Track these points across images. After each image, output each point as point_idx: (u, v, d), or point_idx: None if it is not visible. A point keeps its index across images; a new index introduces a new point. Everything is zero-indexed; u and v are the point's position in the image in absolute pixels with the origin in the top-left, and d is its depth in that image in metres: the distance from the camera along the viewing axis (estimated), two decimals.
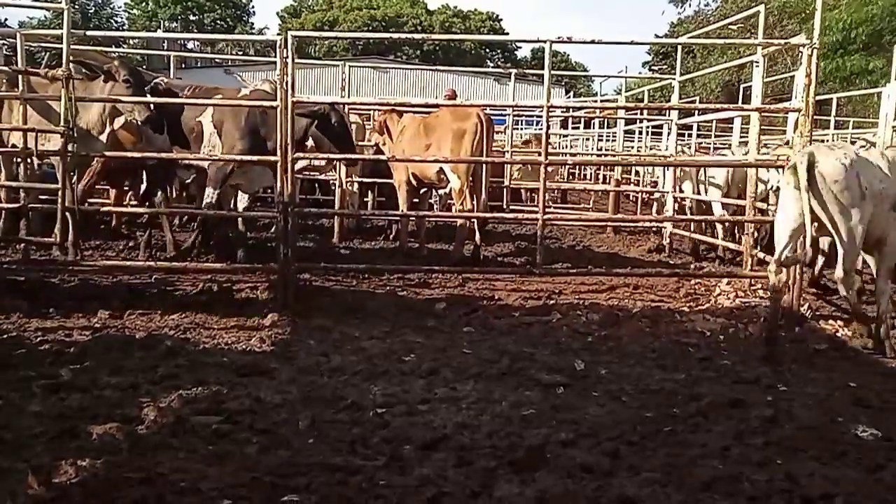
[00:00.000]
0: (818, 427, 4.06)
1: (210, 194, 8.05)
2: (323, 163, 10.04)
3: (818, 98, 7.30)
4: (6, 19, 38.11)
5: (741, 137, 9.93)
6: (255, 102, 7.75)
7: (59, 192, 6.94)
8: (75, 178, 7.28)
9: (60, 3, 6.90)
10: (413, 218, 9.84)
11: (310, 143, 7.89)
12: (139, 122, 7.26)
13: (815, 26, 6.77)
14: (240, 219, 8.61)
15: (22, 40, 7.53)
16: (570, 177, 19.58)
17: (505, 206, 12.98)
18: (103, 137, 7.40)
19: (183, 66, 32.79)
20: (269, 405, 4.13)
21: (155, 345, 5.34)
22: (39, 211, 7.58)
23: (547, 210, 7.84)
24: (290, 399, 4.24)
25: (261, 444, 3.62)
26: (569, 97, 28.29)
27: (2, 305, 6.29)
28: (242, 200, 8.54)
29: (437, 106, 9.43)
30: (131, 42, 34.82)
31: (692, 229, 10.48)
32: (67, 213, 6.98)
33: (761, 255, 7.87)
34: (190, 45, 44.11)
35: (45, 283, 6.94)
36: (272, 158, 7.04)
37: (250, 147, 7.73)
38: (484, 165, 8.97)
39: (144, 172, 8.58)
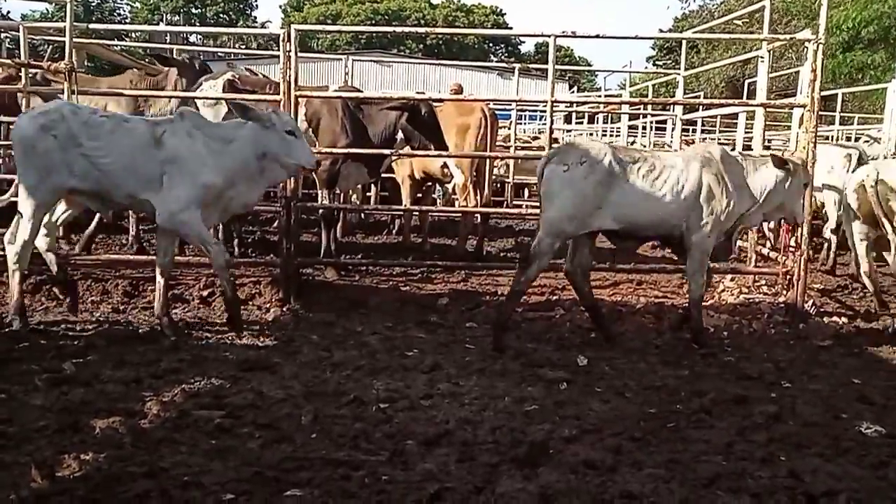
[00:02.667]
0: (822, 424, 4.06)
1: (324, 196, 8.04)
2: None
3: (823, 94, 7.27)
4: (9, 12, 38.14)
5: (746, 133, 9.89)
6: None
7: None
8: None
9: None
10: (416, 213, 9.82)
11: (399, 136, 7.86)
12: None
13: (821, 22, 6.74)
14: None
15: (25, 33, 7.53)
16: None
17: (508, 202, 12.96)
18: None
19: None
20: (271, 400, 4.13)
21: (157, 339, 5.35)
22: None
23: None
24: (293, 394, 4.24)
25: (263, 439, 3.62)
26: (572, 92, 28.23)
27: (3, 299, 6.30)
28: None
29: (440, 100, 9.40)
30: (134, 35, 34.81)
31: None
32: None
33: (765, 251, 7.86)
34: (192, 39, 44.02)
35: (48, 276, 6.92)
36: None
37: (351, 143, 7.67)
38: (488, 161, 8.95)
39: None
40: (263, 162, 5.39)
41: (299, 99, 7.12)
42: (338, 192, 8.52)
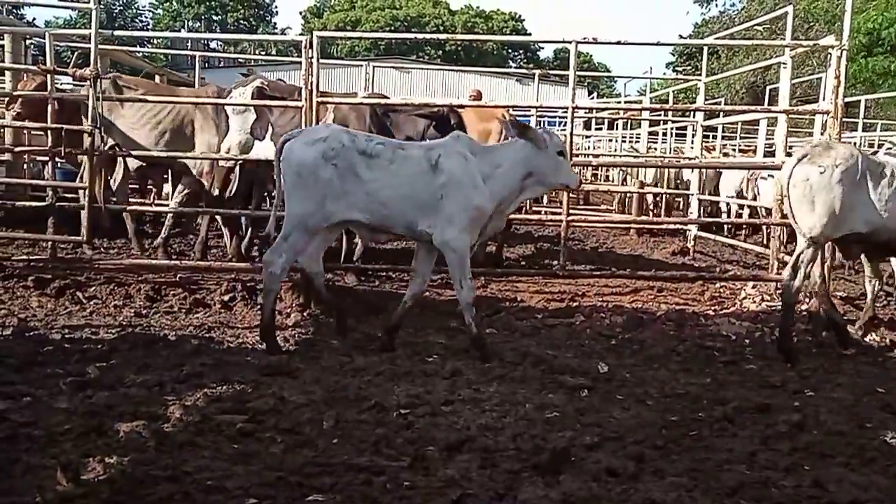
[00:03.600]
0: (846, 433, 4.02)
1: None
2: None
3: (846, 100, 7.22)
4: (34, 18, 38.60)
5: (767, 139, 9.84)
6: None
7: (86, 190, 7.03)
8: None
9: (88, 2, 6.96)
10: None
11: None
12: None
13: (844, 28, 6.70)
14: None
15: (50, 40, 7.62)
16: (594, 178, 19.50)
17: (527, 208, 12.95)
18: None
19: (206, 65, 33.06)
20: (293, 405, 4.14)
21: (180, 343, 5.39)
22: (67, 210, 7.66)
23: (570, 212, 7.81)
24: (315, 399, 4.24)
25: (285, 444, 3.63)
26: (592, 98, 28.16)
27: (29, 303, 6.38)
28: None
29: (461, 107, 9.41)
30: (156, 42, 35.13)
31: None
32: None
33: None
34: (213, 45, 44.34)
35: (72, 280, 7.00)
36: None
37: None
38: None
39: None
40: (526, 181, 5.38)
41: (327, 105, 7.18)
42: None
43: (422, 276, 5.59)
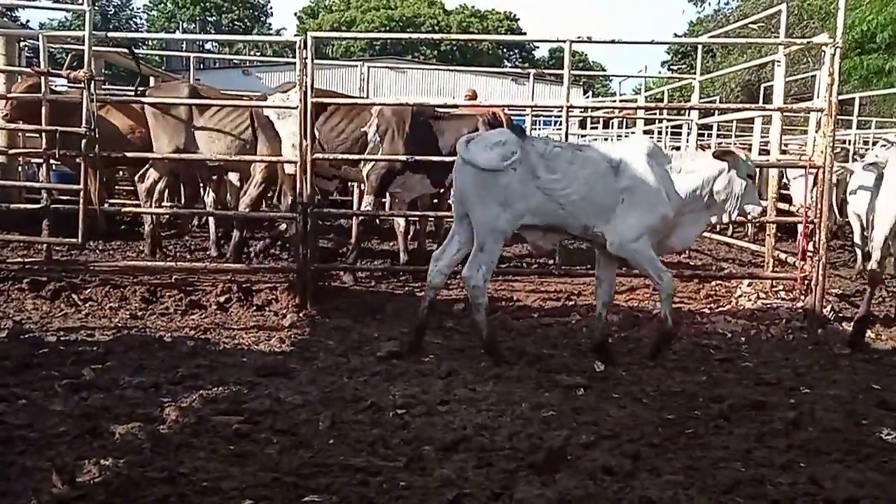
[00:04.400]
0: (842, 430, 4.02)
1: (369, 202, 8.15)
2: None
3: (840, 98, 7.24)
4: (28, 20, 38.52)
5: (762, 137, 9.85)
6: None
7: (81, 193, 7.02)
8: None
9: (82, 4, 6.94)
10: (431, 218, 9.83)
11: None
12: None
13: (838, 25, 6.71)
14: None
15: (44, 41, 7.60)
16: None
17: None
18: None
19: (201, 66, 33.03)
20: (289, 405, 4.14)
21: (176, 345, 5.38)
22: (61, 212, 7.64)
23: None
24: (311, 399, 4.25)
25: (282, 445, 3.62)
26: (587, 97, 28.16)
27: (24, 306, 6.37)
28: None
29: (455, 106, 9.41)
30: (151, 43, 35.08)
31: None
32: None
33: (783, 256, 7.82)
34: (208, 46, 44.33)
35: (67, 283, 6.99)
36: (292, 159, 7.09)
37: (415, 154, 7.72)
38: None
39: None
40: (710, 200, 5.32)
41: (370, 111, 7.24)
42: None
43: (608, 282, 5.51)
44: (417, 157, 7.42)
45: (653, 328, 5.49)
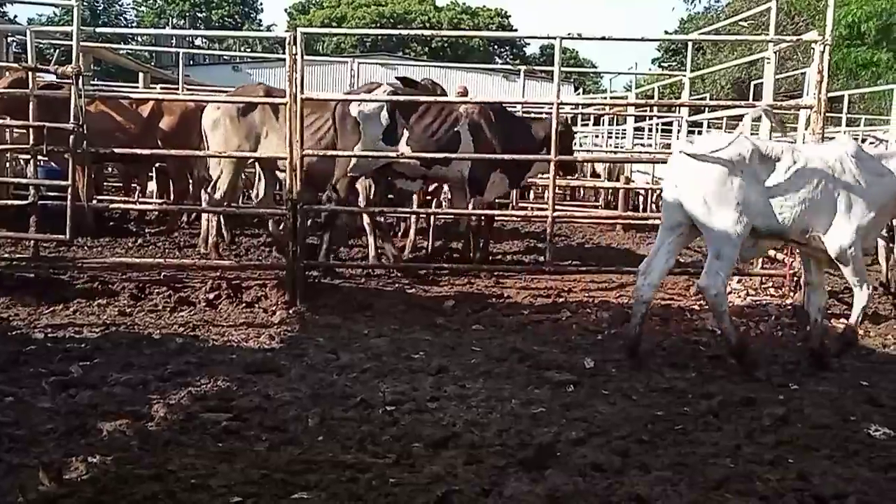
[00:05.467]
0: (830, 426, 4.04)
1: (478, 202, 8.26)
2: None
3: (830, 95, 7.25)
4: (16, 16, 38.28)
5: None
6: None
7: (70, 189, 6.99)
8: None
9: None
10: (423, 215, 9.82)
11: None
12: None
13: (827, 22, 6.73)
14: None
15: (32, 37, 7.56)
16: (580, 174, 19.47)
17: (514, 204, 12.95)
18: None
19: (191, 62, 32.88)
20: (278, 402, 4.13)
21: (164, 342, 5.36)
22: (50, 208, 7.60)
23: (556, 207, 7.81)
24: (300, 396, 4.24)
25: (270, 442, 3.62)
26: (578, 94, 28.19)
27: (12, 302, 6.33)
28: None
29: (447, 103, 9.40)
30: (140, 39, 34.90)
31: None
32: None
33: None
34: (198, 42, 44.07)
35: (55, 280, 6.95)
36: (281, 156, 7.08)
37: (509, 152, 7.81)
38: None
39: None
40: None
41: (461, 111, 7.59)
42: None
43: (821, 287, 5.49)
44: (449, 156, 7.67)
45: (839, 334, 5.46)
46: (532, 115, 8.37)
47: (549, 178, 7.80)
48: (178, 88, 12.50)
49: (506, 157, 7.77)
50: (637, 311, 5.35)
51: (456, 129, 8.00)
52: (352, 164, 7.77)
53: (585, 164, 19.49)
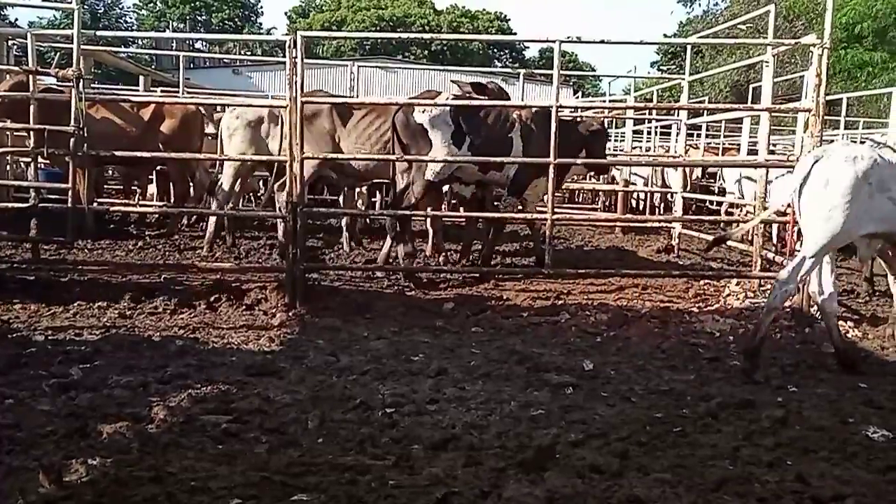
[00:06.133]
0: (829, 428, 4.04)
1: (510, 202, 8.43)
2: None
3: (828, 98, 7.28)
4: (16, 19, 38.27)
5: (750, 137, 9.89)
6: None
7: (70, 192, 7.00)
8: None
9: (71, 3, 6.92)
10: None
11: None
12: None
13: (825, 26, 6.74)
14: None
15: (33, 40, 7.57)
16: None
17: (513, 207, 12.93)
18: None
19: (191, 66, 32.91)
20: (278, 405, 4.13)
21: (164, 344, 5.36)
22: (50, 211, 7.61)
23: (555, 210, 7.81)
24: (300, 399, 4.24)
25: (270, 444, 3.62)
26: (577, 97, 28.19)
27: (12, 304, 6.34)
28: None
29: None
30: (140, 42, 34.93)
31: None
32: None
33: (770, 255, 7.85)
34: (198, 45, 44.13)
35: (55, 282, 6.96)
36: (280, 158, 7.09)
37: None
38: None
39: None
40: None
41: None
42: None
43: None
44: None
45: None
46: (565, 120, 8.36)
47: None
48: (178, 91, 12.53)
49: (518, 160, 7.95)
50: (833, 328, 5.51)
51: (509, 135, 8.12)
52: (436, 170, 7.80)
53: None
